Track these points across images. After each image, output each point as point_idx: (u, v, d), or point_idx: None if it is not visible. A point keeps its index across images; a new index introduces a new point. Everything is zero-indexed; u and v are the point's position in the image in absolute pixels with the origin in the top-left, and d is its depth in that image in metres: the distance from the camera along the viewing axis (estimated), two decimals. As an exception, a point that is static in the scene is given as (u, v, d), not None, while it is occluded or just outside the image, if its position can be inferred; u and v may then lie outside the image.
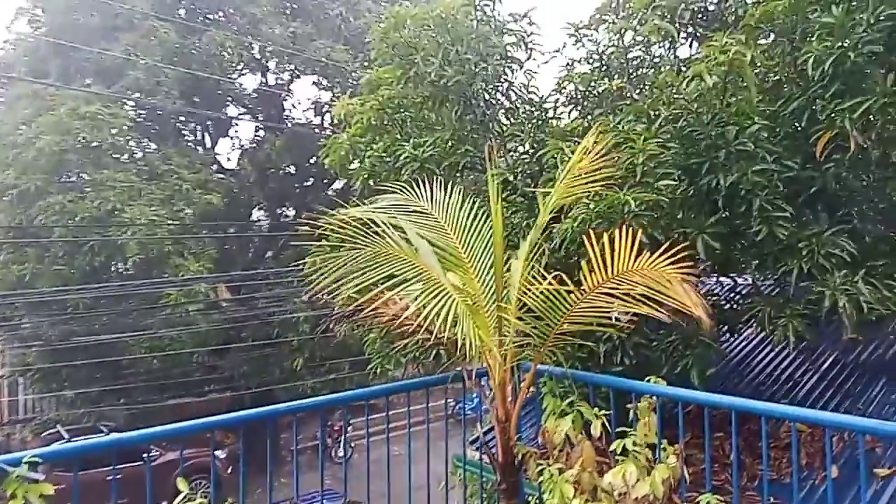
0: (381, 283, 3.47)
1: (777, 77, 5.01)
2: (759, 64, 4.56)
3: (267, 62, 19.78)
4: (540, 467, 3.54)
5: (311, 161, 19.09)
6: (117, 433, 5.49)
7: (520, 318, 3.54)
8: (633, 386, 3.85)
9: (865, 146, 4.25)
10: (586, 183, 3.65)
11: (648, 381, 3.75)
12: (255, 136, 20.58)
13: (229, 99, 20.09)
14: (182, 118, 18.93)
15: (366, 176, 6.20)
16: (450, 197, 3.97)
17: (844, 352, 7.16)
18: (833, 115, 4.33)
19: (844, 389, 6.80)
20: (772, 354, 7.75)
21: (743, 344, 8.04)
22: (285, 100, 20.61)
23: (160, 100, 16.48)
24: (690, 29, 6.17)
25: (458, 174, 6.29)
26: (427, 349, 5.04)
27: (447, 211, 3.89)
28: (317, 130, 19.81)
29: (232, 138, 20.79)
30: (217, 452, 14.53)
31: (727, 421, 3.38)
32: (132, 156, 16.74)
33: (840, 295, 4.18)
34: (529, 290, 3.49)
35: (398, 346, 5.37)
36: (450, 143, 6.12)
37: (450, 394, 4.39)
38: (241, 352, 17.49)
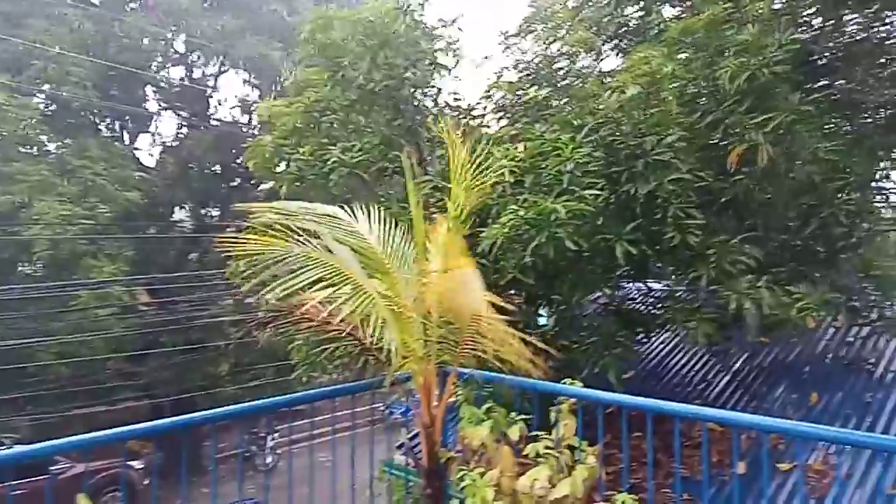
0: (307, 289, 3.41)
1: (695, 90, 5.23)
2: (678, 77, 4.75)
3: (191, 55, 19.10)
4: (461, 473, 3.55)
5: (239, 161, 18.57)
6: (21, 445, 5.12)
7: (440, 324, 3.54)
8: (556, 389, 3.91)
9: (773, 160, 4.50)
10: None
11: (565, 382, 3.83)
12: (178, 132, 19.83)
13: (150, 93, 19.28)
14: (98, 111, 18.01)
15: (292, 179, 6.07)
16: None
17: (752, 355, 7.57)
18: (746, 129, 4.56)
19: (752, 390, 7.18)
20: (687, 357, 8.10)
21: (661, 347, 8.38)
22: (210, 96, 19.97)
23: (72, 91, 15.60)
24: (615, 41, 6.39)
25: (387, 178, 6.26)
26: (353, 355, 4.97)
27: (367, 218, 3.86)
28: (244, 129, 19.30)
29: (153, 134, 19.97)
30: (133, 463, 13.86)
31: (645, 421, 3.49)
32: (42, 149, 15.78)
33: (744, 299, 4.40)
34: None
35: (324, 352, 5.28)
36: (379, 148, 6.08)
37: (381, 399, 4.37)
38: (161, 357, 16.79)
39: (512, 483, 3.71)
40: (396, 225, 3.89)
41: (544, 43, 6.07)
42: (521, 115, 5.65)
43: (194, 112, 19.40)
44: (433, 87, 6.21)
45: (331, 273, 3.44)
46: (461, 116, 6.25)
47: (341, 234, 3.70)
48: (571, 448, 3.61)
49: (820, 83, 5.43)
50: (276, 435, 16.87)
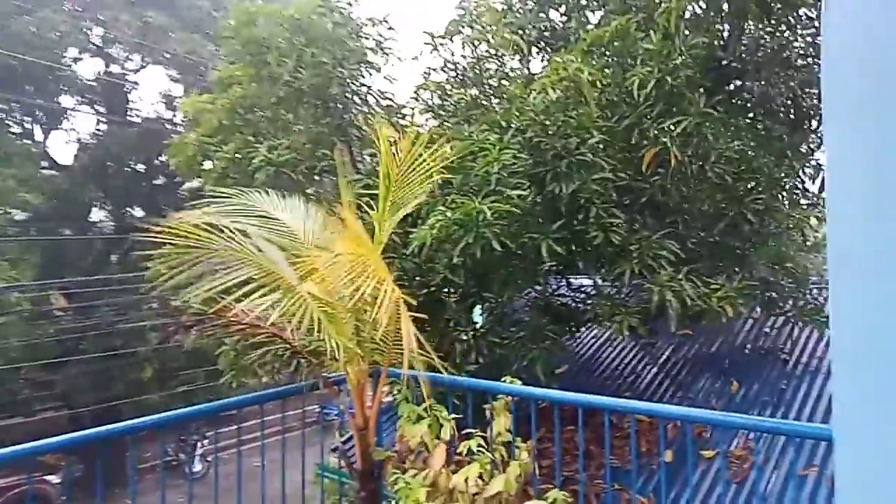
0: (234, 291, 3.30)
1: (612, 96, 5.37)
2: (597, 83, 4.87)
3: (110, 49, 18.21)
4: (394, 476, 3.53)
5: (163, 159, 17.86)
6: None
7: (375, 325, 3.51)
8: (490, 386, 3.95)
9: (683, 161, 4.67)
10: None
11: (504, 380, 3.88)
12: (96, 129, 18.85)
13: (64, 87, 18.25)
14: (4, 106, 16.88)
15: (217, 178, 5.87)
16: (302, 204, 3.85)
17: (678, 347, 7.88)
18: (657, 132, 4.71)
19: (678, 381, 7.48)
20: (617, 351, 8.35)
21: (592, 342, 8.59)
22: (131, 92, 19.11)
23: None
24: (541, 44, 6.50)
25: (316, 178, 6.15)
26: (284, 358, 4.87)
27: (298, 216, 3.78)
28: (168, 126, 18.58)
29: (67, 131, 18.90)
30: (50, 477, 13.13)
31: (577, 415, 3.58)
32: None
33: (667, 291, 4.57)
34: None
35: (253, 358, 5.14)
36: (307, 147, 5.96)
37: (316, 401, 4.30)
38: (81, 364, 15.93)
39: (447, 481, 3.72)
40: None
41: (472, 45, 6.10)
42: (450, 116, 5.66)
43: (114, 108, 18.52)
44: (363, 85, 6.13)
45: (260, 274, 3.35)
46: (392, 116, 6.20)
47: (272, 233, 3.62)
48: (506, 444, 3.67)
49: (730, 86, 5.67)
50: (205, 441, 16.29)
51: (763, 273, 5.99)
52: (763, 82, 5.73)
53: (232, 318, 3.51)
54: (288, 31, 5.73)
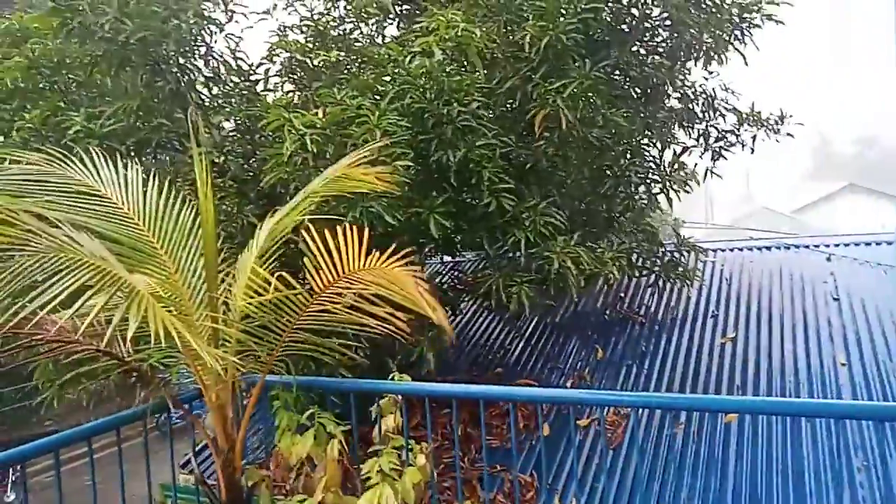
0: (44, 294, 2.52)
1: (493, 56, 5.11)
2: (481, 42, 4.57)
3: None
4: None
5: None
6: None
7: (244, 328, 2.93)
8: (376, 386, 3.62)
9: (574, 126, 4.56)
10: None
11: (393, 377, 3.52)
12: None
13: None
14: None
15: (17, 153, 4.72)
16: (144, 179, 3.10)
17: (540, 318, 7.94)
18: (546, 95, 4.54)
19: (545, 352, 7.53)
20: (484, 326, 8.25)
21: (459, 319, 8.41)
22: None
23: None
24: (399, 8, 6.09)
25: (150, 153, 5.23)
26: (115, 377, 4.04)
27: (132, 195, 3.03)
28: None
29: None
30: None
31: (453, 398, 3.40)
32: None
33: (565, 258, 4.47)
34: (253, 293, 2.87)
35: (74, 374, 4.22)
36: (138, 115, 4.99)
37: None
38: None
39: (339, 500, 3.27)
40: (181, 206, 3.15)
41: (330, 1, 5.50)
42: (313, 80, 5.04)
43: None
44: (203, 44, 5.24)
45: (80, 272, 2.57)
46: (241, 80, 5.41)
47: (95, 218, 2.85)
48: (398, 448, 3.32)
49: (599, 55, 5.63)
50: (18, 467, 14.02)
51: (627, 236, 6.14)
52: (626, 52, 5.74)
53: (35, 337, 2.71)
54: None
